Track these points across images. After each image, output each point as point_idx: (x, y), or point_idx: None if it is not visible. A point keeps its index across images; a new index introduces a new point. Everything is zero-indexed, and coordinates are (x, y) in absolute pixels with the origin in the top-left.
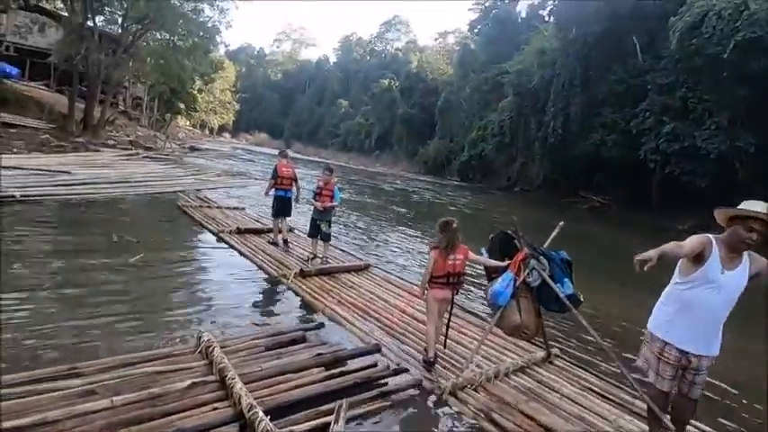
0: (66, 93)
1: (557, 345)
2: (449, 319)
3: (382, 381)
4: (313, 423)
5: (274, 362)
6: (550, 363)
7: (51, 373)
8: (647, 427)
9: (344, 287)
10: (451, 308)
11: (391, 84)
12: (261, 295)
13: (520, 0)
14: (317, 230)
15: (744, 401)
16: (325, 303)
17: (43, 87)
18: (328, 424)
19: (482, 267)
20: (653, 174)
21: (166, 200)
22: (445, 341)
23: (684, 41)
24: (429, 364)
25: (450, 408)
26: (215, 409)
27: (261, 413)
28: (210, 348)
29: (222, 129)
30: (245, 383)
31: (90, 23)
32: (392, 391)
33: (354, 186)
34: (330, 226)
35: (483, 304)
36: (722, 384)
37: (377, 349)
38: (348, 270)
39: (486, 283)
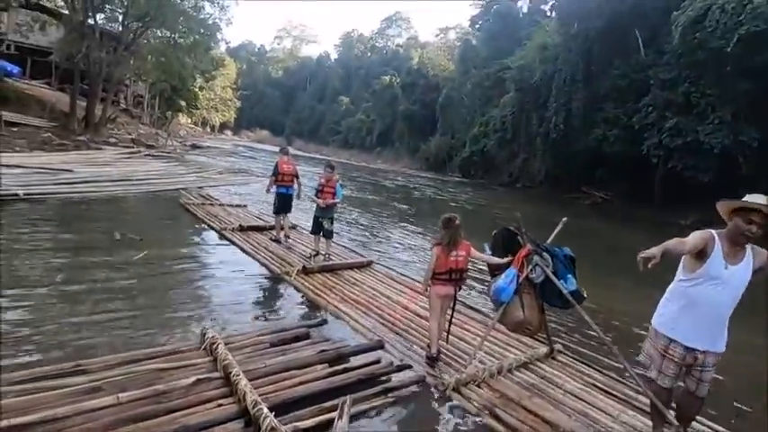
0: (68, 91)
1: (559, 340)
2: (451, 316)
3: (386, 377)
4: (317, 419)
5: (278, 358)
6: (553, 358)
7: (57, 370)
8: (650, 423)
9: (347, 284)
10: (454, 304)
11: (392, 80)
12: (264, 292)
13: None
14: (320, 227)
15: (744, 396)
16: (327, 300)
17: (45, 86)
18: (332, 420)
19: (484, 263)
20: (655, 169)
21: (168, 197)
22: (447, 337)
23: (687, 36)
24: (432, 361)
25: (454, 404)
26: (220, 405)
27: (266, 409)
28: (215, 345)
29: (223, 126)
30: (250, 380)
31: (91, 21)
32: (396, 388)
33: (356, 183)
34: (332, 223)
35: (485, 299)
36: (722, 378)
37: (380, 346)
38: (350, 267)
39: (489, 279)
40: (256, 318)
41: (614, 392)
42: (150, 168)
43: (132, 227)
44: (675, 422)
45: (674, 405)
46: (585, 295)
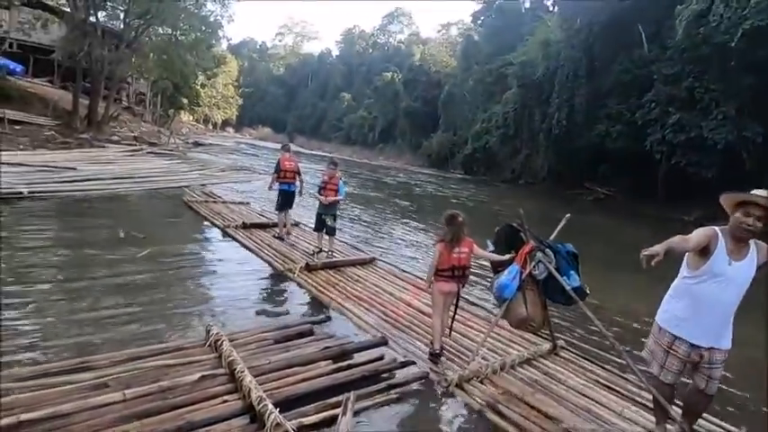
0: (70, 89)
1: (562, 337)
2: (455, 312)
3: (389, 373)
4: (321, 415)
5: (282, 355)
6: (556, 355)
7: (63, 366)
8: (653, 419)
9: (350, 281)
10: (457, 301)
11: (394, 77)
12: (267, 289)
13: None
14: (323, 224)
15: (744, 390)
16: (331, 297)
17: (47, 84)
18: (336, 416)
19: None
20: (659, 165)
21: (172, 195)
22: (450, 333)
23: (691, 30)
24: (435, 357)
25: (457, 400)
26: (224, 401)
27: (270, 406)
28: (219, 342)
29: (225, 123)
30: (254, 376)
31: (92, 19)
32: (399, 384)
33: (358, 180)
34: (335, 220)
35: (488, 296)
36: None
37: (383, 342)
38: (353, 264)
39: (492, 275)
40: (261, 315)
41: (617, 388)
42: (153, 166)
43: (136, 224)
44: (678, 418)
45: (677, 402)
46: (588, 291)
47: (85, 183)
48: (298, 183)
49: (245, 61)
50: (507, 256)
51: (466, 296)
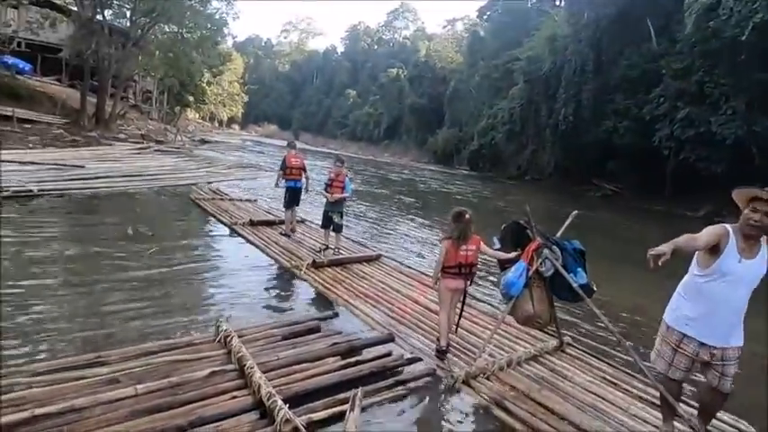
0: (78, 87)
1: (569, 333)
2: (461, 309)
3: (397, 370)
4: (330, 411)
5: (291, 351)
6: (563, 351)
7: (78, 361)
8: (660, 416)
9: (357, 277)
10: (464, 297)
11: (399, 73)
12: (275, 286)
13: None
14: (330, 221)
15: (745, 384)
16: (337, 294)
17: (55, 82)
18: (345, 412)
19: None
20: (667, 161)
21: (179, 192)
22: (456, 330)
23: (701, 24)
24: (442, 353)
25: (464, 396)
26: (234, 397)
27: (280, 401)
28: (229, 338)
29: (231, 121)
30: (264, 372)
31: (99, 17)
32: (406, 380)
33: (363, 177)
34: (342, 217)
35: (495, 292)
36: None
37: (391, 338)
38: (360, 260)
39: (498, 272)
40: (269, 311)
41: (624, 385)
42: (160, 164)
43: (144, 222)
44: (685, 415)
45: (684, 399)
46: (595, 289)
47: (94, 180)
48: (303, 179)
49: (250, 58)
50: (514, 254)
51: (472, 293)
